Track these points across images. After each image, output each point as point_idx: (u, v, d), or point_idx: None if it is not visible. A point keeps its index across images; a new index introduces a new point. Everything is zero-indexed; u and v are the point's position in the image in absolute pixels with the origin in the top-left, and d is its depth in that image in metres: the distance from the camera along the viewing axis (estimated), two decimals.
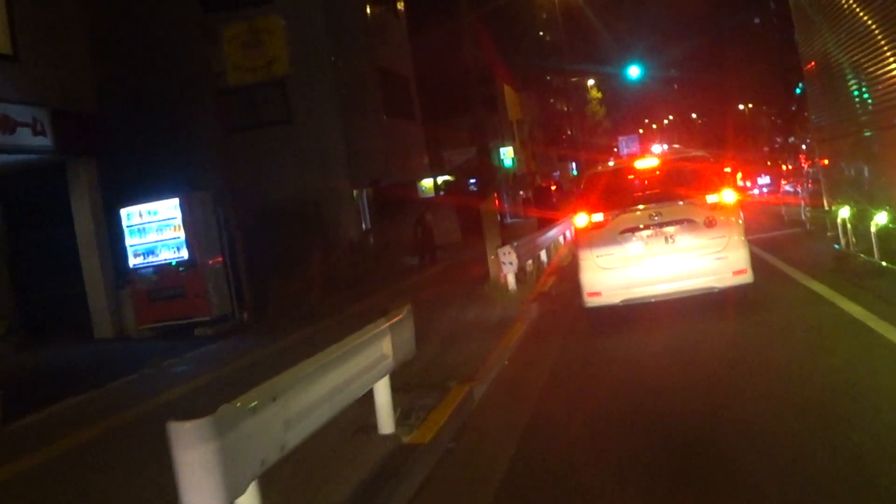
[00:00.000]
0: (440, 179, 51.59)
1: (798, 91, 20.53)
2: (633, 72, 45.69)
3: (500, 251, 17.01)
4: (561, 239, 27.86)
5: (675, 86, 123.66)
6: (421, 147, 36.89)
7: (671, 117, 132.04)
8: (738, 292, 12.00)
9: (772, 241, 21.89)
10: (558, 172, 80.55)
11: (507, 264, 17.00)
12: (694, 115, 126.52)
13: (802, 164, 27.14)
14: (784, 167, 59.81)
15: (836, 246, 15.73)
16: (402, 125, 34.84)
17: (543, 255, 22.28)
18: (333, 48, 30.20)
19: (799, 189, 26.71)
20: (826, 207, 15.76)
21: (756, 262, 12.15)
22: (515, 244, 18.02)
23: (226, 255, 19.80)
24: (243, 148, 28.74)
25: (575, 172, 73.66)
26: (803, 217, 23.51)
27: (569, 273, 18.00)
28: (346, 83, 30.33)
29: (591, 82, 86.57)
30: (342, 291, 23.70)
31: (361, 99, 31.16)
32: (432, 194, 46.59)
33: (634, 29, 77.83)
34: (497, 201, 40.54)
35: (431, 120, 48.55)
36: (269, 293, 20.17)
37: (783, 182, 52.82)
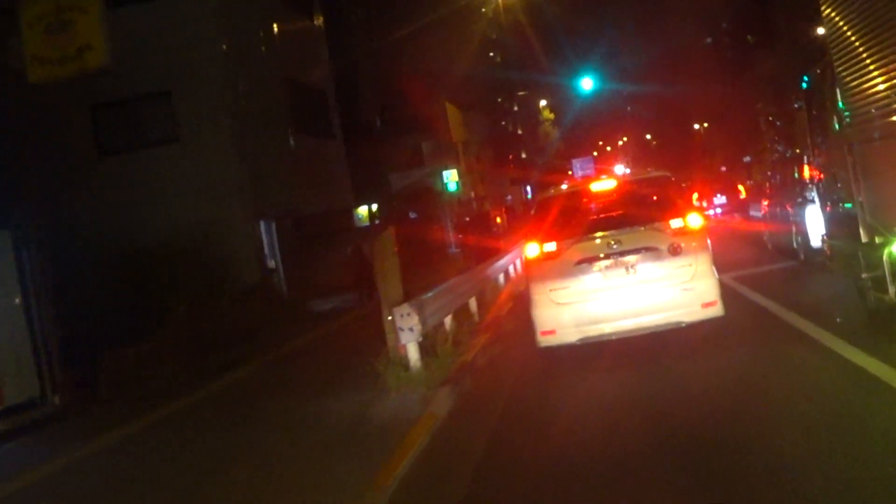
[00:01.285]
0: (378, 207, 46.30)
1: (804, 85, 15.78)
2: (586, 84, 41.03)
3: (397, 312, 11.39)
4: (500, 278, 22.35)
5: (629, 108, 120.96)
6: (343, 170, 30.97)
7: (625, 139, 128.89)
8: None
9: (764, 278, 16.87)
10: (511, 196, 75.61)
11: (405, 331, 11.35)
12: (648, 136, 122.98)
13: (770, 182, 22.05)
14: (741, 187, 56.11)
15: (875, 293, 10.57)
16: (320, 146, 29.13)
17: (473, 304, 16.80)
18: (230, 54, 24.69)
19: (764, 213, 21.99)
20: (865, 238, 10.56)
21: (754, 312, 11.51)
22: (426, 296, 12.51)
23: (33, 316, 14.11)
24: (124, 172, 23.34)
25: (529, 196, 68.89)
26: (795, 246, 18.39)
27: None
28: (244, 95, 24.79)
29: (542, 103, 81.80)
30: (218, 353, 18.08)
31: (265, 114, 25.58)
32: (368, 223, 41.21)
33: (586, 49, 73.17)
34: (440, 230, 35.27)
35: (367, 139, 43.46)
36: (102, 365, 14.61)
37: (758, 203, 48.67)
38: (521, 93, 55.25)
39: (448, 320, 14.12)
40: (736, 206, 46.46)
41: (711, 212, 57.17)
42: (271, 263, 26.50)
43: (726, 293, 13.61)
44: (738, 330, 11.53)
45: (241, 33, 25.28)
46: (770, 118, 31.08)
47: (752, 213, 42.19)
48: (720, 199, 53.34)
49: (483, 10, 45.27)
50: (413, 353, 11.48)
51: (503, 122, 76.01)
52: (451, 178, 49.14)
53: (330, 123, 30.00)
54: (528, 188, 75.23)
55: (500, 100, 74.85)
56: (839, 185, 11.94)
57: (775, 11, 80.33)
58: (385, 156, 46.94)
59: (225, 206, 24.06)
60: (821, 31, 48.93)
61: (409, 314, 11.36)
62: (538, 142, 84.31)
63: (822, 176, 13.43)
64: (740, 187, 54.93)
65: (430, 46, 46.03)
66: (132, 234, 22.54)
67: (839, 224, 12.40)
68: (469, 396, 10.87)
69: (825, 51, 11.54)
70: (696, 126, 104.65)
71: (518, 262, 26.70)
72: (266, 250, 26.65)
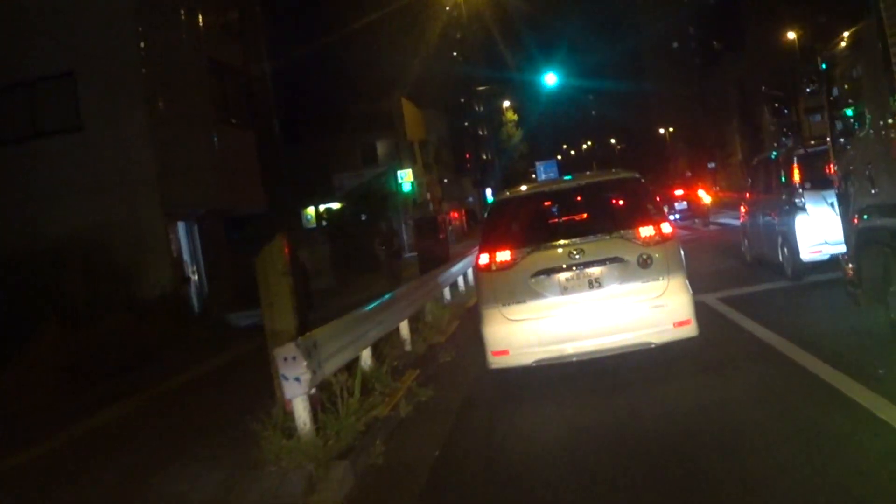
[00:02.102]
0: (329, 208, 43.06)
1: (824, 67, 13.18)
2: (550, 79, 38.00)
3: (279, 356, 8.09)
4: (446, 292, 19.12)
5: (593, 112, 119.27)
6: (281, 167, 27.36)
7: (589, 143, 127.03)
8: None
9: (756, 300, 13.96)
10: (472, 199, 72.71)
11: (289, 382, 8.04)
12: (613, 141, 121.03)
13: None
14: (702, 193, 53.99)
15: None
16: (253, 140, 25.66)
17: (405, 329, 13.52)
18: (144, 31, 21.34)
19: (743, 221, 19.14)
20: None
21: (756, 350, 9.74)
22: (324, 333, 9.14)
23: None
24: (16, 165, 19.99)
25: (490, 199, 65.83)
26: (780, 259, 15.52)
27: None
28: (160, 78, 21.42)
29: (506, 104, 78.85)
30: (99, 383, 14.74)
31: (185, 101, 22.15)
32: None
33: (551, 46, 70.46)
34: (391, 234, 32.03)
35: (313, 138, 40.40)
36: None
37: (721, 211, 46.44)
38: (480, 88, 51.97)
39: (366, 355, 10.88)
40: (697, 212, 45.20)
41: (672, 217, 55.09)
42: (191, 271, 23.14)
43: (714, 320, 11.66)
44: (742, 378, 8.96)
45: (158, 7, 21.84)
46: (777, 105, 28.11)
47: (716, 220, 40.43)
48: (681, 205, 50.72)
49: (446, 7, 42.44)
50: (301, 412, 8.11)
51: (465, 124, 73.17)
52: (405, 178, 46.02)
53: (267, 116, 26.33)
54: (489, 191, 72.41)
55: (462, 100, 71.95)
56: (876, 189, 8.81)
57: (743, 16, 78.43)
58: (337, 154, 43.87)
59: (135, 205, 20.75)
60: (791, 35, 45.92)
61: (294, 359, 8.04)
62: (501, 144, 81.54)
63: (844, 176, 10.24)
64: (701, 193, 53.68)
65: (387, 42, 43.03)
66: (22, 237, 19.20)
67: (871, 241, 9.29)
68: (378, 472, 7.73)
69: (863, 15, 8.44)
70: (662, 130, 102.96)
71: (471, 272, 23.63)
72: (185, 256, 23.28)
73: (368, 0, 39.33)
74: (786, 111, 27.79)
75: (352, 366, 10.08)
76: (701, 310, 10.29)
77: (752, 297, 14.34)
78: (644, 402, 8.53)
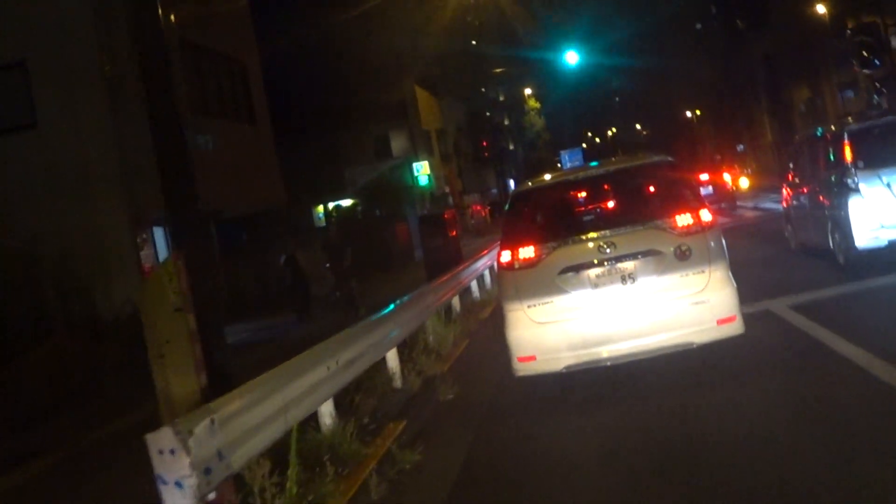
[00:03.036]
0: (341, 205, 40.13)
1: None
2: (571, 58, 34.84)
3: (151, 446, 5.07)
4: (455, 302, 15.99)
5: (617, 99, 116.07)
6: (271, 162, 24.20)
7: (614, 130, 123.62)
8: None
9: (846, 309, 10.62)
10: (496, 190, 69.58)
11: (170, 487, 5.01)
12: (638, 127, 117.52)
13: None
14: (727, 177, 51.70)
15: None
16: (238, 132, 22.61)
17: (393, 359, 10.46)
18: (106, 11, 18.41)
19: (787, 206, 17.17)
20: None
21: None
22: (229, 407, 5.81)
23: None
24: None
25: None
26: (831, 245, 13.71)
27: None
28: (126, 65, 18.45)
29: (528, 91, 75.70)
30: (21, 430, 11.81)
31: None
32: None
33: (570, 26, 66.93)
34: (405, 231, 29.00)
35: (323, 131, 37.57)
36: None
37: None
38: (497, 70, 48.83)
39: (325, 410, 7.84)
40: (723, 197, 42.83)
41: None
42: None
43: (795, 343, 9.17)
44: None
45: None
46: (866, 53, 24.32)
47: (757, 205, 38.29)
48: (707, 191, 48.51)
49: None
50: None
51: (487, 113, 70.18)
52: (422, 170, 42.93)
53: (251, 105, 23.27)
54: (513, 182, 69.45)
55: (482, 89, 68.90)
56: None
57: None
58: (349, 147, 41.00)
59: (96, 210, 17.83)
60: (820, 8, 42.28)
61: (172, 453, 5.03)
62: (525, 132, 78.53)
63: None
64: (727, 177, 51.64)
65: (398, 27, 40.01)
66: None
67: None
68: None
69: None
70: (689, 114, 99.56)
71: (488, 274, 20.57)
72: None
73: None
74: (877, 62, 24.29)
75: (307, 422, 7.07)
76: (771, 325, 9.39)
77: (836, 302, 11.16)
78: None
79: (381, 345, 9.88)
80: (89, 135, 17.92)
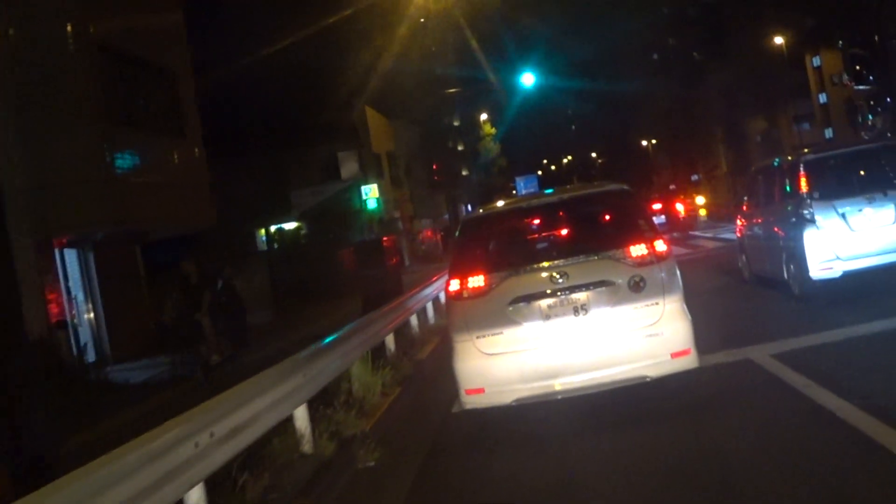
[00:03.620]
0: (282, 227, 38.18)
1: None
2: (528, 79, 33.36)
3: None
4: (389, 339, 13.99)
5: (573, 127, 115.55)
6: (201, 180, 21.97)
7: (570, 157, 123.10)
8: None
9: (841, 362, 9.01)
10: (448, 216, 68.00)
11: None
12: (594, 155, 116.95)
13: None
14: (680, 207, 51.61)
15: None
16: (164, 146, 20.49)
17: (302, 418, 8.59)
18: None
19: (741, 236, 17.40)
20: None
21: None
22: None
23: None
24: None
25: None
26: (786, 276, 13.90)
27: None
28: (23, 65, 16.47)
29: (483, 116, 74.34)
30: None
31: (64, 95, 16.99)
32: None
33: (528, 48, 65.50)
34: (349, 258, 27.18)
35: (268, 151, 35.73)
36: None
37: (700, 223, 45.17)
38: (450, 90, 47.25)
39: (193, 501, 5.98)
40: (676, 226, 44.12)
41: None
42: (81, 310, 18.18)
43: (794, 404, 7.75)
44: None
45: None
46: (858, 68, 23.02)
47: (697, 233, 38.22)
48: (659, 220, 48.81)
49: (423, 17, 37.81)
50: None
51: (443, 138, 68.66)
52: (370, 193, 41.09)
53: (180, 116, 21.09)
54: (469, 207, 67.86)
55: (437, 112, 67.38)
56: None
57: (725, 24, 74.18)
58: (295, 168, 39.17)
59: None
60: (778, 40, 41.41)
61: None
62: (479, 158, 77.12)
63: None
64: (679, 207, 52.61)
65: (350, 46, 38.29)
66: None
67: None
68: None
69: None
70: (644, 143, 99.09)
71: (430, 306, 18.77)
72: (77, 291, 18.34)
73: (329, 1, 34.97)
74: (871, 78, 23.01)
75: None
76: (757, 380, 8.85)
77: (825, 351, 9.54)
78: None
79: (284, 402, 8.02)
80: None
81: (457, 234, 9.70)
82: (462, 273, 8.49)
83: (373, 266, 21.73)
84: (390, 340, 13.62)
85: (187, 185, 20.81)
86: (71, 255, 18.41)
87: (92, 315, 18.76)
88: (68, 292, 17.98)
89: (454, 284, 8.53)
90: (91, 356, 18.17)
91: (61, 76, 16.82)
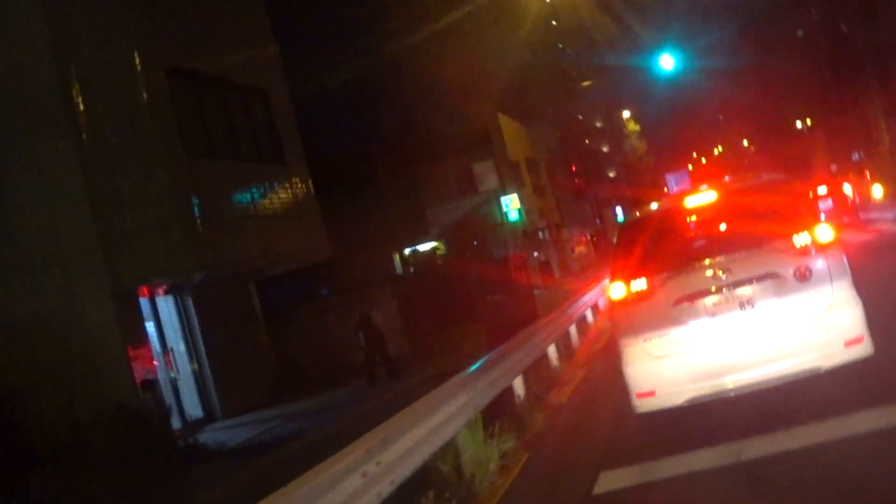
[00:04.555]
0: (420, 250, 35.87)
1: None
2: (666, 62, 29.94)
3: None
4: (518, 383, 11.00)
5: (721, 117, 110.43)
6: (309, 211, 19.45)
7: (720, 148, 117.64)
8: None
9: None
10: (599, 221, 64.67)
11: None
12: (745, 143, 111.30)
13: None
14: (847, 187, 47.72)
15: None
16: (257, 176, 18.01)
17: None
18: (66, 35, 14.51)
19: None
20: None
21: None
22: None
23: None
24: None
25: (621, 219, 58.22)
26: None
27: None
28: (95, 103, 14.42)
29: (626, 114, 70.92)
30: None
31: (134, 133, 14.81)
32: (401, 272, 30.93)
33: (662, 34, 62.25)
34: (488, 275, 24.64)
35: (397, 171, 33.60)
36: None
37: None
38: (585, 83, 44.48)
39: None
40: (844, 209, 40.77)
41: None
42: (181, 365, 16.03)
43: None
44: None
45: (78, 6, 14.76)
46: None
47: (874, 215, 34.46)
48: (826, 204, 44.96)
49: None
50: None
51: (586, 141, 65.62)
52: (511, 204, 38.31)
53: (278, 141, 18.65)
54: (619, 209, 64.60)
55: (580, 116, 64.35)
56: None
57: None
58: (427, 185, 36.82)
59: (70, 285, 13.75)
60: None
61: None
62: (626, 157, 73.63)
63: None
64: (847, 188, 48.63)
65: (475, 47, 35.92)
66: None
67: None
68: None
69: None
70: (799, 125, 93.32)
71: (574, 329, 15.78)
72: (174, 343, 16.23)
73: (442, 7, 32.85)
74: None
75: None
76: None
77: None
78: None
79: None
80: (53, 193, 13.90)
81: (615, 239, 9.84)
82: (624, 277, 8.45)
83: (498, 290, 18.91)
84: (519, 385, 10.70)
85: (291, 216, 18.42)
86: (167, 303, 16.32)
87: (197, 366, 16.63)
88: (163, 345, 15.86)
89: (618, 289, 8.51)
90: (197, 412, 16.08)
91: (146, 114, 14.72)
